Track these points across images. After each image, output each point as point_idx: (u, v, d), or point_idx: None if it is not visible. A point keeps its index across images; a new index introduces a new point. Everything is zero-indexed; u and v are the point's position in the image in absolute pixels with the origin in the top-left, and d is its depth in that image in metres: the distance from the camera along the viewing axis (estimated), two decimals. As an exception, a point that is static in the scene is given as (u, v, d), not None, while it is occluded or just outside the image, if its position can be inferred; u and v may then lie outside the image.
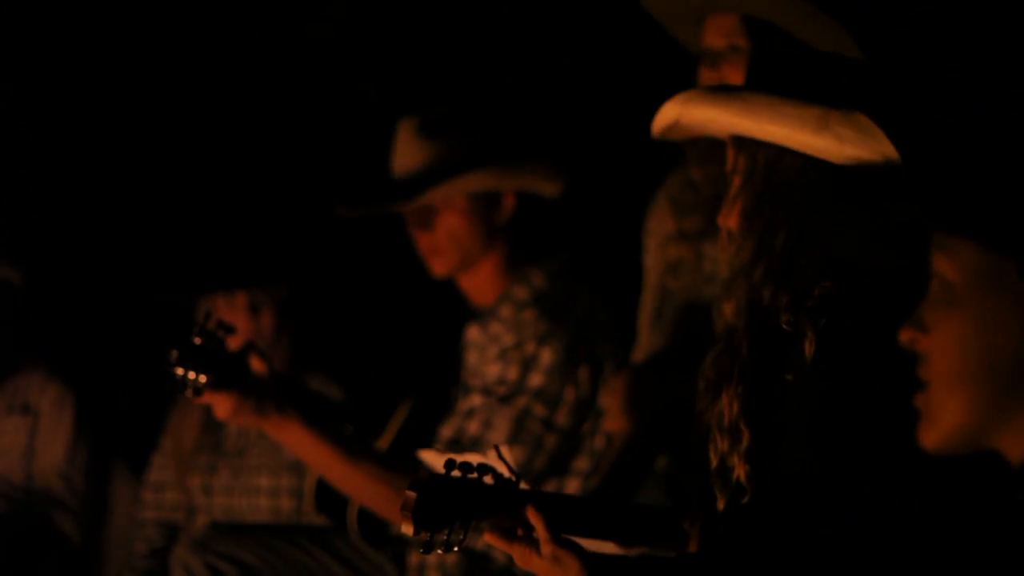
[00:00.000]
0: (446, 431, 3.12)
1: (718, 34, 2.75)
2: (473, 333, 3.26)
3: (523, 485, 2.15)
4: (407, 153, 3.22)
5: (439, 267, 3.22)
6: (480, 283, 3.23)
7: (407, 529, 1.99)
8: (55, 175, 4.39)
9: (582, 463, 3.13)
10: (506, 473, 2.25)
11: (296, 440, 2.93)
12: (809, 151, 1.99)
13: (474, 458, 2.38)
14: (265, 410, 2.88)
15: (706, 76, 2.77)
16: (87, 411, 4.08)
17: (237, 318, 3.57)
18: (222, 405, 2.87)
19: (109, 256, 4.41)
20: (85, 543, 4.06)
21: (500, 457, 2.20)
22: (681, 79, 2.93)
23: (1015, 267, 1.59)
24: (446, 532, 2.00)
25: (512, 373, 3.06)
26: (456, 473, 2.03)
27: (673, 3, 2.79)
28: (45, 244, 4.28)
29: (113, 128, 4.37)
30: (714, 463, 2.06)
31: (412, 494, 1.98)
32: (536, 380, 3.06)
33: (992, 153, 1.68)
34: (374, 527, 3.15)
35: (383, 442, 3.24)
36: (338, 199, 3.26)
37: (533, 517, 2.02)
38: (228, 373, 2.95)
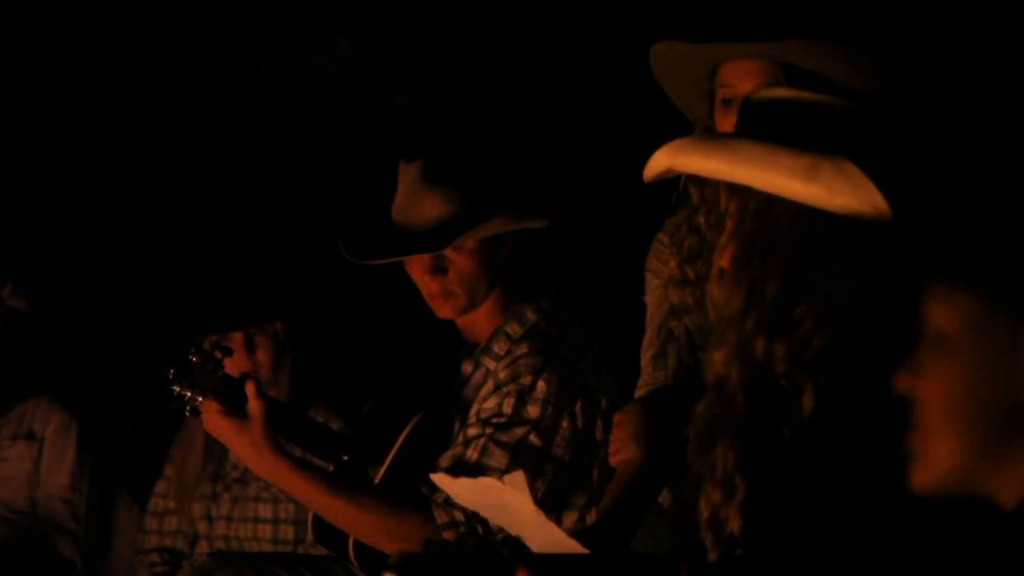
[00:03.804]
0: (444, 463, 3.09)
1: (744, 78, 2.67)
2: (467, 368, 3.23)
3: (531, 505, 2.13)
4: (415, 198, 3.16)
5: (448, 310, 3.18)
6: (477, 321, 3.20)
7: None
8: (61, 206, 4.39)
9: (579, 498, 3.09)
10: (522, 497, 2.24)
11: (275, 472, 2.98)
12: (800, 200, 1.96)
13: (488, 482, 2.37)
14: (248, 433, 2.94)
15: (727, 120, 2.69)
16: (91, 438, 4.06)
17: (234, 357, 3.57)
18: (208, 415, 2.97)
19: (113, 285, 4.40)
20: (87, 569, 4.04)
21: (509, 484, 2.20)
22: (678, 115, 2.93)
23: (1009, 316, 1.58)
24: None
25: (508, 406, 3.02)
26: (434, 550, 2.01)
27: (686, 53, 2.76)
28: (50, 273, 4.27)
29: (116, 159, 4.36)
30: (705, 514, 2.02)
31: None
32: (533, 411, 3.02)
33: (987, 201, 1.67)
34: (373, 558, 3.14)
35: (379, 473, 3.23)
36: (345, 246, 3.24)
37: None
38: (222, 392, 2.98)
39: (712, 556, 2.02)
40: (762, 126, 2.05)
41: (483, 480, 2.44)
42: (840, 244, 1.95)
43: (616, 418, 2.87)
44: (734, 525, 1.99)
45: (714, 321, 2.10)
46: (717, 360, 2.04)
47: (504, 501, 2.37)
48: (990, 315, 1.58)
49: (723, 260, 2.08)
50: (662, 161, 2.09)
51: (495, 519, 2.70)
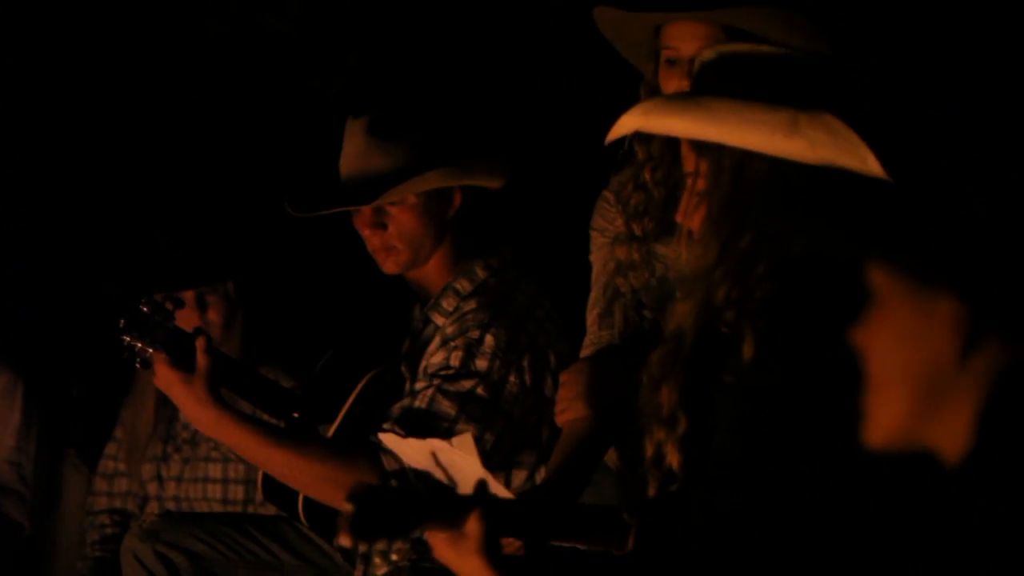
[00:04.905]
0: (392, 414, 3.09)
1: (687, 39, 2.67)
2: (417, 325, 3.23)
3: (480, 471, 2.14)
4: (358, 154, 3.16)
5: (391, 265, 3.17)
6: (426, 277, 3.19)
7: (344, 541, 1.93)
8: (2, 168, 4.35)
9: (528, 456, 3.09)
10: (470, 459, 2.24)
11: (218, 426, 2.97)
12: (781, 155, 1.94)
13: (436, 444, 2.38)
14: (191, 386, 2.95)
15: (671, 80, 2.70)
16: (37, 399, 4.04)
17: (185, 316, 3.56)
18: (156, 366, 2.98)
19: (62, 244, 4.37)
20: (36, 530, 4.03)
21: (454, 444, 2.21)
22: (627, 74, 2.94)
23: (937, 290, 1.62)
24: (384, 543, 1.98)
25: (456, 359, 3.02)
26: (393, 483, 2.00)
27: (627, 18, 2.77)
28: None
29: (63, 121, 4.32)
30: (649, 452, 2.05)
31: (349, 507, 1.92)
32: (481, 364, 3.01)
33: (927, 177, 1.70)
34: (322, 516, 3.15)
35: (330, 430, 3.24)
36: (288, 200, 3.25)
37: (473, 527, 1.99)
38: (172, 345, 2.99)
39: (652, 491, 2.05)
40: (730, 82, 2.03)
41: (431, 441, 2.44)
42: (814, 196, 1.95)
43: (562, 377, 2.88)
44: (673, 459, 2.01)
45: (675, 277, 2.11)
46: (681, 311, 2.05)
47: (452, 462, 2.38)
48: (920, 288, 1.62)
49: (693, 222, 2.08)
50: (631, 123, 2.07)
51: (442, 480, 2.72)
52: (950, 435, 1.62)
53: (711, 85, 2.08)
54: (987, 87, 2.99)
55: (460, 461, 2.33)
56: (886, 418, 1.64)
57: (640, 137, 2.77)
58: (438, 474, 2.45)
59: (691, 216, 2.09)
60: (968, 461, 1.61)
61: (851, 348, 1.65)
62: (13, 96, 4.29)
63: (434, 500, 2.04)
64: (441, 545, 2.04)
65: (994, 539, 1.55)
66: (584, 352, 2.92)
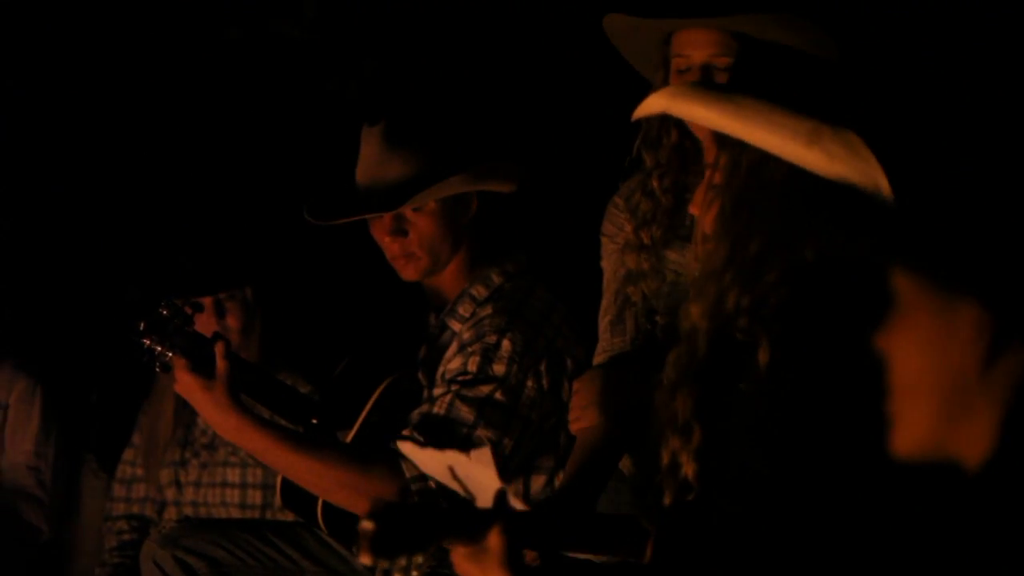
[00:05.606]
0: (412, 421, 3.10)
1: (698, 47, 2.68)
2: (433, 331, 3.24)
3: (495, 478, 2.15)
4: (375, 161, 3.17)
5: (411, 272, 3.18)
6: (443, 283, 3.20)
7: (365, 559, 1.93)
8: (24, 172, 4.38)
9: (547, 461, 3.10)
10: (488, 472, 2.25)
11: (239, 431, 2.99)
12: (797, 163, 1.95)
13: (454, 456, 2.39)
14: (212, 391, 2.97)
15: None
16: (56, 405, 4.06)
17: (204, 321, 3.58)
18: (176, 371, 2.99)
19: (81, 251, 4.39)
20: (54, 536, 4.05)
21: (476, 459, 2.21)
22: (639, 80, 2.94)
23: (959, 297, 1.62)
24: (405, 558, 1.98)
25: (473, 364, 3.02)
26: (414, 498, 2.00)
27: (637, 25, 2.77)
28: (14, 239, 4.26)
29: (81, 126, 4.34)
30: (665, 461, 2.05)
31: (369, 525, 1.92)
32: (498, 369, 3.02)
33: (949, 189, 1.71)
34: (341, 522, 3.16)
35: (348, 436, 3.25)
36: (307, 208, 3.26)
37: (495, 541, 1.99)
38: (192, 349, 2.99)
39: (667, 500, 2.05)
40: (765, 85, 2.04)
41: (448, 454, 2.44)
42: (827, 205, 1.96)
43: (575, 386, 2.87)
44: (689, 470, 2.02)
45: (695, 275, 2.11)
46: (694, 312, 2.05)
47: (469, 474, 2.38)
48: (946, 298, 1.62)
49: (706, 218, 2.09)
50: (658, 103, 2.08)
51: (460, 491, 2.73)
52: (973, 441, 1.63)
53: (743, 83, 2.09)
54: (1006, 93, 2.99)
55: (478, 474, 2.33)
56: (910, 425, 1.64)
57: (648, 144, 2.78)
58: (455, 486, 2.46)
59: (705, 209, 2.10)
60: (990, 467, 1.61)
61: (872, 355, 1.65)
62: (33, 104, 4.31)
63: (454, 515, 2.04)
64: (462, 560, 2.04)
65: (1016, 544, 1.55)
66: (597, 359, 2.92)
